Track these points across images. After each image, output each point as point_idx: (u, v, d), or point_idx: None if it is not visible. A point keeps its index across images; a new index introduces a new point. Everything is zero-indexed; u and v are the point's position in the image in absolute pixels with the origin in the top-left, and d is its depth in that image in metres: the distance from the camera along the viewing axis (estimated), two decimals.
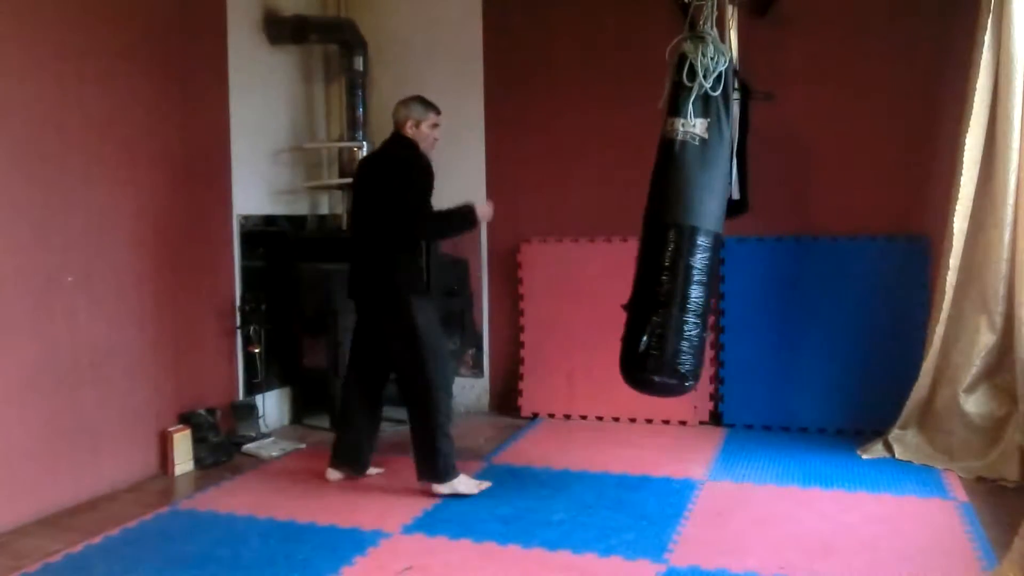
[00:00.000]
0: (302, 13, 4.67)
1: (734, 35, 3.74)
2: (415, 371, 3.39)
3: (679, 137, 3.24)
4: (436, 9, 4.89)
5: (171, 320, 3.89)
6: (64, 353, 3.36)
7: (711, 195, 3.25)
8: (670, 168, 3.26)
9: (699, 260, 3.20)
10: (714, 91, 3.21)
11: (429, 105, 3.52)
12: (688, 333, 3.18)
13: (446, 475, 3.38)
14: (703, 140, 3.23)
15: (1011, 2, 3.46)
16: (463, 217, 3.45)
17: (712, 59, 3.23)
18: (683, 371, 3.20)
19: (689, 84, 3.22)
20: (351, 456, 3.62)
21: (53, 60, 3.31)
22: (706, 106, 3.23)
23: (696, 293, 3.20)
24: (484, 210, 3.55)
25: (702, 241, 3.21)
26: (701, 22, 3.33)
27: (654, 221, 3.31)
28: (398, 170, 3.41)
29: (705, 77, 3.21)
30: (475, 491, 3.42)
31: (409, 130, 3.48)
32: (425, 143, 3.50)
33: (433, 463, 3.38)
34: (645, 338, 3.17)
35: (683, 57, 3.25)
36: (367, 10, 4.93)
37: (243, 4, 4.33)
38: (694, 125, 3.22)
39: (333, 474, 3.64)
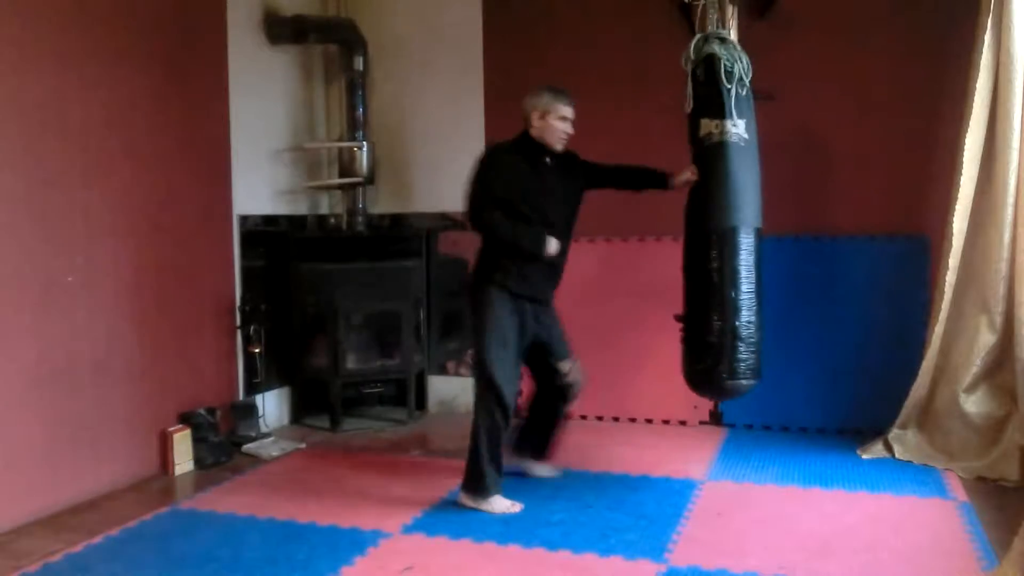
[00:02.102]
0: (302, 13, 4.67)
1: (734, 35, 3.74)
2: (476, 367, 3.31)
3: (730, 139, 3.24)
4: (436, 9, 4.88)
5: (171, 320, 3.89)
6: (64, 353, 3.36)
7: (757, 193, 3.31)
8: (725, 171, 3.25)
9: (752, 258, 3.24)
10: (744, 91, 3.26)
11: (559, 94, 3.26)
12: (751, 334, 3.22)
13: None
14: (746, 140, 3.26)
15: (1011, 2, 3.46)
16: (524, 236, 3.21)
17: (742, 60, 3.25)
18: (752, 371, 3.25)
19: (729, 86, 3.22)
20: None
21: (53, 60, 3.31)
22: (742, 106, 3.25)
23: (752, 292, 3.24)
24: (552, 246, 3.25)
25: (752, 240, 3.26)
26: (712, 23, 3.33)
27: (711, 226, 3.27)
28: (476, 164, 3.30)
29: (742, 79, 3.24)
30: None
31: (536, 122, 3.24)
32: (551, 137, 3.26)
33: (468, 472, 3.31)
34: (713, 345, 3.23)
35: (714, 58, 3.23)
36: (367, 10, 4.93)
37: (243, 4, 4.33)
38: (737, 126, 3.24)
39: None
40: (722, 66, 3.22)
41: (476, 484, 3.26)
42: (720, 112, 3.23)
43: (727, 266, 3.22)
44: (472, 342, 3.34)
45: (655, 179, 3.45)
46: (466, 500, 3.29)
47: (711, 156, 3.26)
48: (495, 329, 3.22)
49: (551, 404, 3.55)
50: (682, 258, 3.41)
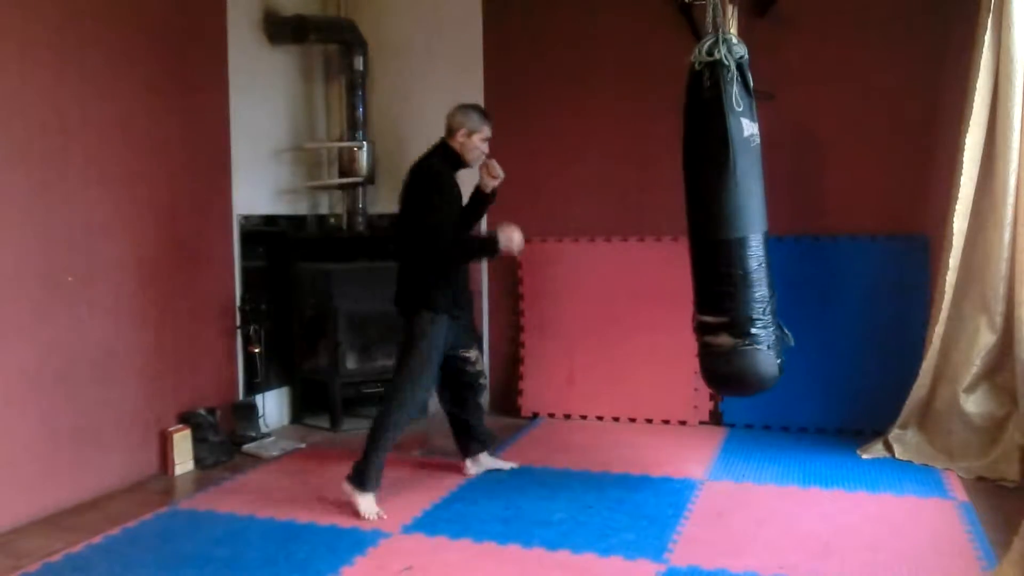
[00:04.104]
0: (302, 13, 4.66)
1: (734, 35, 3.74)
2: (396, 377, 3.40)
3: (759, 141, 3.22)
4: (436, 9, 4.89)
5: (171, 320, 3.89)
6: (64, 353, 3.36)
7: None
8: (762, 171, 3.22)
9: (768, 257, 3.22)
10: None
11: (486, 117, 3.48)
12: (775, 329, 3.24)
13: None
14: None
15: (1011, 2, 3.46)
16: (482, 246, 3.50)
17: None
18: (780, 364, 3.25)
19: (755, 89, 3.21)
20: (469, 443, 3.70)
21: (53, 60, 3.31)
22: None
23: (770, 290, 3.22)
24: (508, 238, 3.32)
25: (766, 240, 3.24)
26: (712, 23, 3.29)
27: (759, 225, 3.20)
28: (420, 184, 3.37)
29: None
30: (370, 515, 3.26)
31: (460, 138, 3.42)
32: (471, 155, 3.44)
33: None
34: (739, 346, 3.18)
35: (746, 62, 3.19)
36: (367, 10, 4.93)
37: (243, 4, 4.33)
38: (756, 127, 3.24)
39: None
40: (748, 71, 3.21)
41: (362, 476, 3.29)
42: (753, 115, 3.21)
43: (768, 259, 3.24)
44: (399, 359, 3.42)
45: (480, 199, 3.55)
46: (349, 490, 3.32)
47: (756, 156, 3.22)
48: (430, 352, 3.34)
49: (464, 398, 3.67)
50: (716, 258, 3.22)
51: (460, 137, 3.42)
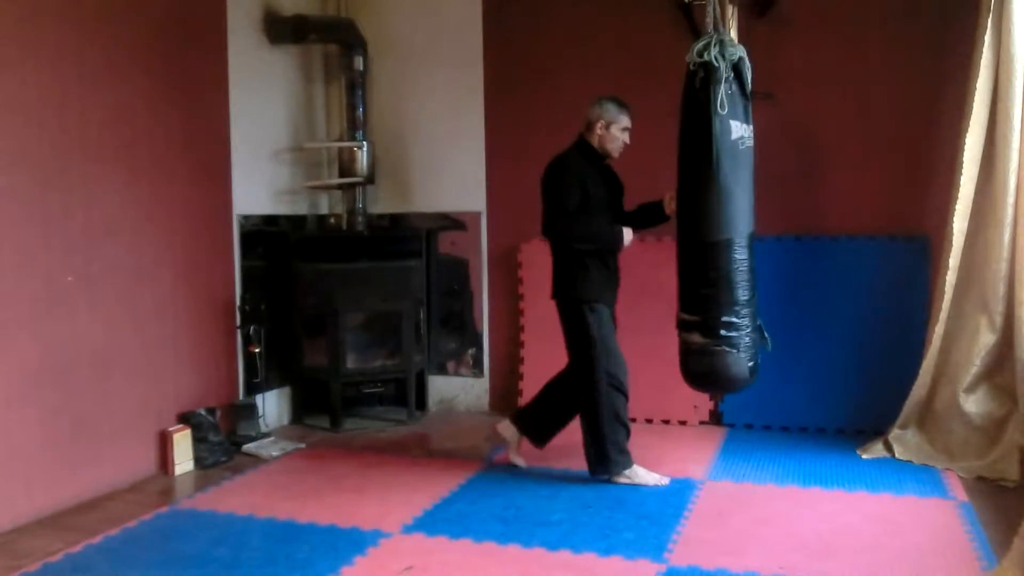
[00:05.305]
0: (302, 13, 4.66)
1: (734, 35, 3.74)
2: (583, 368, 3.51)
3: (750, 144, 3.23)
4: (436, 9, 4.88)
5: (171, 320, 3.89)
6: (64, 353, 3.36)
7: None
8: (752, 174, 3.25)
9: (749, 261, 3.24)
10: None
11: (624, 107, 3.52)
12: (751, 332, 3.25)
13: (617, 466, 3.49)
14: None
15: (1011, 2, 3.46)
16: (610, 235, 3.50)
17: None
18: (752, 367, 3.28)
19: (750, 91, 3.22)
20: (541, 430, 3.72)
21: (53, 60, 3.31)
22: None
23: (750, 294, 3.25)
24: (628, 236, 3.53)
25: (749, 243, 3.25)
26: (712, 23, 3.29)
27: (746, 228, 3.24)
28: (549, 179, 3.52)
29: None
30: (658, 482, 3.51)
31: (599, 130, 3.50)
32: (612, 145, 3.53)
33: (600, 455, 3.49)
34: (720, 346, 3.22)
35: (743, 63, 3.19)
36: (367, 10, 4.93)
37: (243, 4, 4.33)
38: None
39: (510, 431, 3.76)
40: (745, 68, 3.20)
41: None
42: (747, 117, 3.21)
43: (753, 262, 3.26)
44: (581, 352, 3.54)
45: (656, 214, 3.64)
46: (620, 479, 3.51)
47: (745, 159, 3.23)
48: (600, 333, 3.48)
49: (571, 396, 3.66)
50: (696, 258, 3.27)
51: (599, 130, 3.50)
